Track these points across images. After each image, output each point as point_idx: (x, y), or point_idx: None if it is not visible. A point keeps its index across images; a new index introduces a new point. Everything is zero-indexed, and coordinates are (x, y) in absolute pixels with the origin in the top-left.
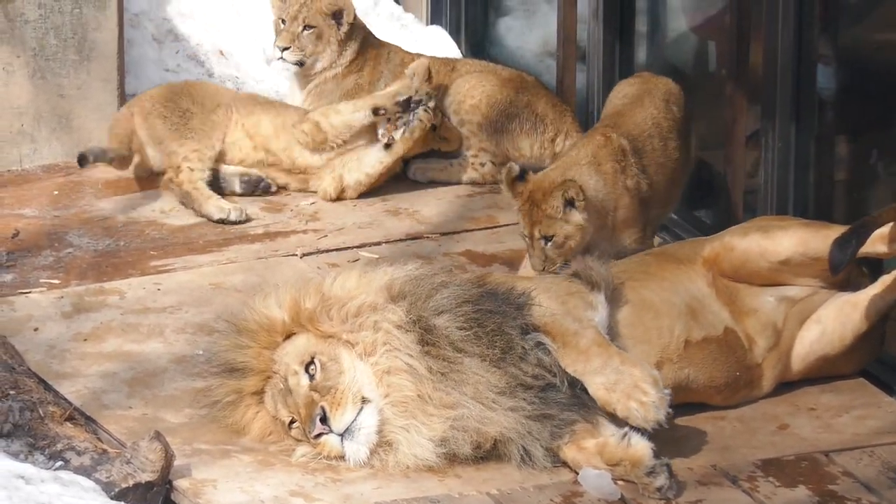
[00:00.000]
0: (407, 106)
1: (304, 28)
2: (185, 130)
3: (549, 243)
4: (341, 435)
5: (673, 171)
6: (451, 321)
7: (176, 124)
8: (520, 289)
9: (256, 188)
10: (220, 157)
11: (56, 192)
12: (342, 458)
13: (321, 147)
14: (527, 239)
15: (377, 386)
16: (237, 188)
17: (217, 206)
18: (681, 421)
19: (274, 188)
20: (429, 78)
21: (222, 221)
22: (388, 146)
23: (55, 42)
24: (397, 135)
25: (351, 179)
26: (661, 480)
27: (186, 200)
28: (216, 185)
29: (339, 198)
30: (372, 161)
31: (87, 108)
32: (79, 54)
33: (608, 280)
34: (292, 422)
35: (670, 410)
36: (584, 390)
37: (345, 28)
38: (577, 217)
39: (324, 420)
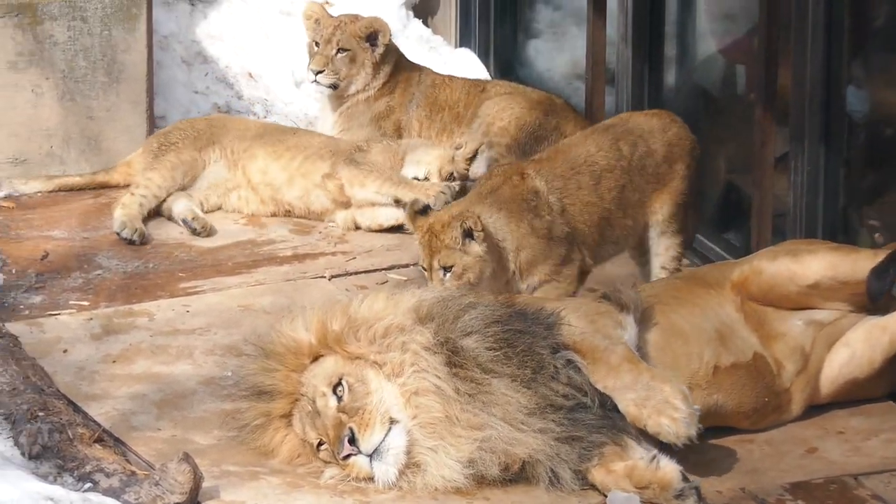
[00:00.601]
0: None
1: (339, 51)
2: (154, 162)
3: (448, 274)
4: (370, 456)
5: (605, 211)
6: (479, 342)
7: (154, 154)
8: (549, 309)
9: (194, 232)
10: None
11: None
12: (371, 479)
13: (341, 205)
14: (425, 271)
15: (405, 407)
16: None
17: (119, 218)
18: (709, 442)
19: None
20: (473, 157)
21: (117, 234)
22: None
23: (84, 64)
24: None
25: (363, 223)
26: (691, 503)
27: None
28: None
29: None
30: (387, 216)
31: (116, 130)
32: (108, 76)
33: (637, 303)
34: (320, 444)
35: (700, 426)
36: (615, 409)
37: (380, 50)
38: (476, 249)
39: (352, 441)
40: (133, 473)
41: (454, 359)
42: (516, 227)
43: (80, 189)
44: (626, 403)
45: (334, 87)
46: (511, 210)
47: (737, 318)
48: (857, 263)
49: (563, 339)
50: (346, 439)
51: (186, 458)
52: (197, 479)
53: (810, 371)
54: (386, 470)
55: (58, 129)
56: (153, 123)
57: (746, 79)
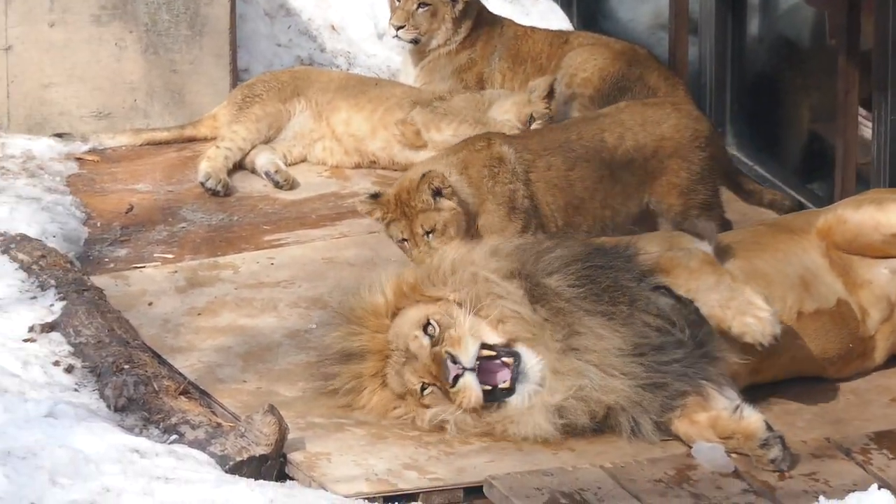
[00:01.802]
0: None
1: (420, 6)
2: (239, 114)
3: (432, 236)
4: (474, 370)
5: (576, 199)
6: (561, 280)
7: (238, 106)
8: (625, 241)
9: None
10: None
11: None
12: (482, 405)
13: (419, 148)
14: (407, 242)
15: (494, 333)
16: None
17: (204, 169)
18: (794, 394)
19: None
20: (549, 95)
21: (202, 184)
22: None
23: (167, 17)
24: None
25: None
26: (775, 452)
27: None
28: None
29: None
30: None
31: (199, 84)
32: (191, 29)
33: (713, 232)
34: (423, 388)
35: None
36: (704, 341)
37: (459, 6)
38: (448, 203)
39: (455, 361)
40: (219, 425)
41: (536, 291)
42: (476, 191)
43: (167, 143)
44: (711, 306)
45: (415, 41)
46: (471, 174)
47: (822, 263)
48: None
49: (644, 266)
50: (448, 362)
51: (272, 409)
52: (282, 431)
53: (895, 320)
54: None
55: (141, 82)
56: (236, 76)
57: (829, 27)
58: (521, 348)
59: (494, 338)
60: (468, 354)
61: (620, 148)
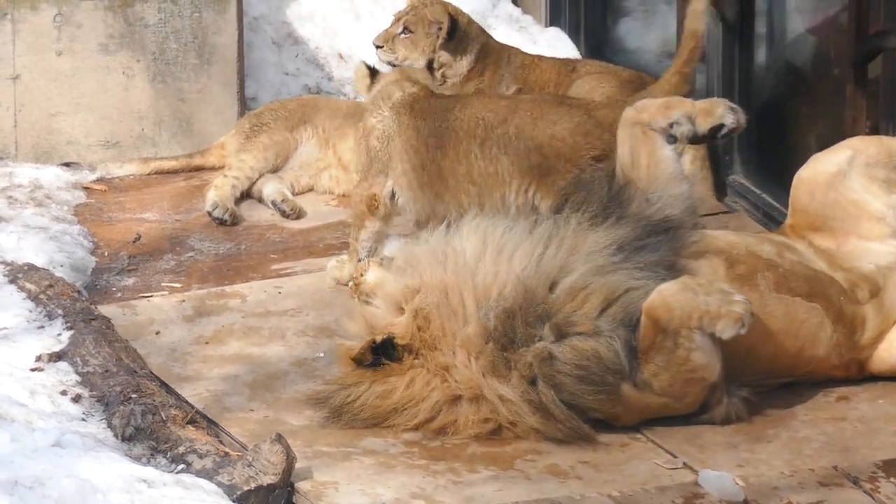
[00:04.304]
0: None
1: (403, 31)
2: (246, 143)
3: None
4: None
5: (427, 162)
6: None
7: (246, 135)
8: None
9: (283, 214)
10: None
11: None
12: None
13: None
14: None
15: None
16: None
17: (211, 198)
18: (801, 422)
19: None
20: None
21: (209, 214)
22: None
23: (175, 46)
24: None
25: None
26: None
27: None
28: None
29: None
30: None
31: (207, 112)
32: (199, 58)
33: None
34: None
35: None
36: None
37: (440, 40)
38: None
39: None
40: (226, 454)
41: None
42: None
43: (174, 172)
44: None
45: (391, 64)
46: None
47: (804, 247)
48: None
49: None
50: None
51: (279, 438)
52: (290, 460)
53: (884, 303)
54: None
55: (149, 111)
56: (244, 105)
57: (835, 55)
58: None
59: None
60: None
61: (499, 129)
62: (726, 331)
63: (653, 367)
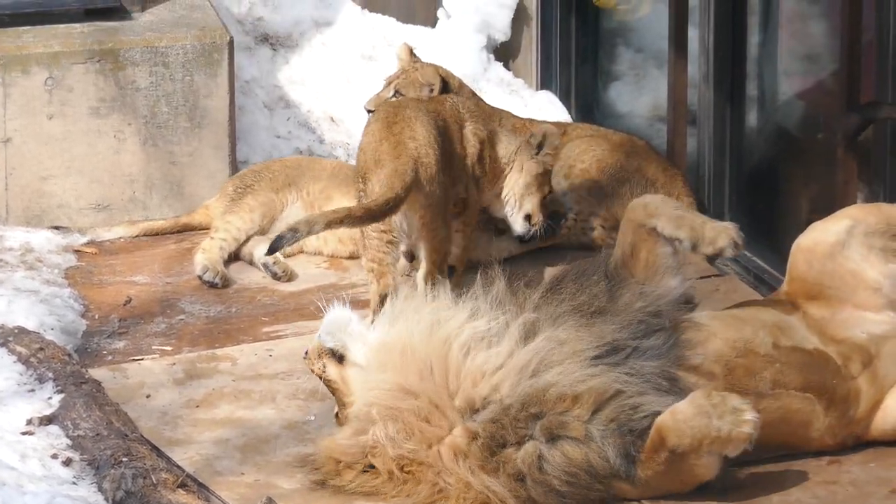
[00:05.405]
0: None
1: (395, 95)
2: (232, 205)
3: None
4: None
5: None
6: None
7: (231, 198)
8: None
9: (275, 276)
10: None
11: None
12: None
13: None
14: None
15: None
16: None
17: (200, 262)
18: (792, 484)
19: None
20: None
21: (200, 277)
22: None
23: (166, 109)
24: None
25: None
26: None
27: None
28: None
29: None
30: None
31: (198, 175)
32: (190, 121)
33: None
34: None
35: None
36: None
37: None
38: None
39: None
40: None
41: None
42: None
43: (163, 233)
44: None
45: None
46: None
47: (796, 319)
48: None
49: None
50: None
51: (270, 502)
52: None
53: (877, 373)
54: None
55: (140, 174)
56: (236, 168)
57: (826, 119)
58: None
59: None
60: None
61: (454, 136)
62: (734, 451)
63: (652, 472)
